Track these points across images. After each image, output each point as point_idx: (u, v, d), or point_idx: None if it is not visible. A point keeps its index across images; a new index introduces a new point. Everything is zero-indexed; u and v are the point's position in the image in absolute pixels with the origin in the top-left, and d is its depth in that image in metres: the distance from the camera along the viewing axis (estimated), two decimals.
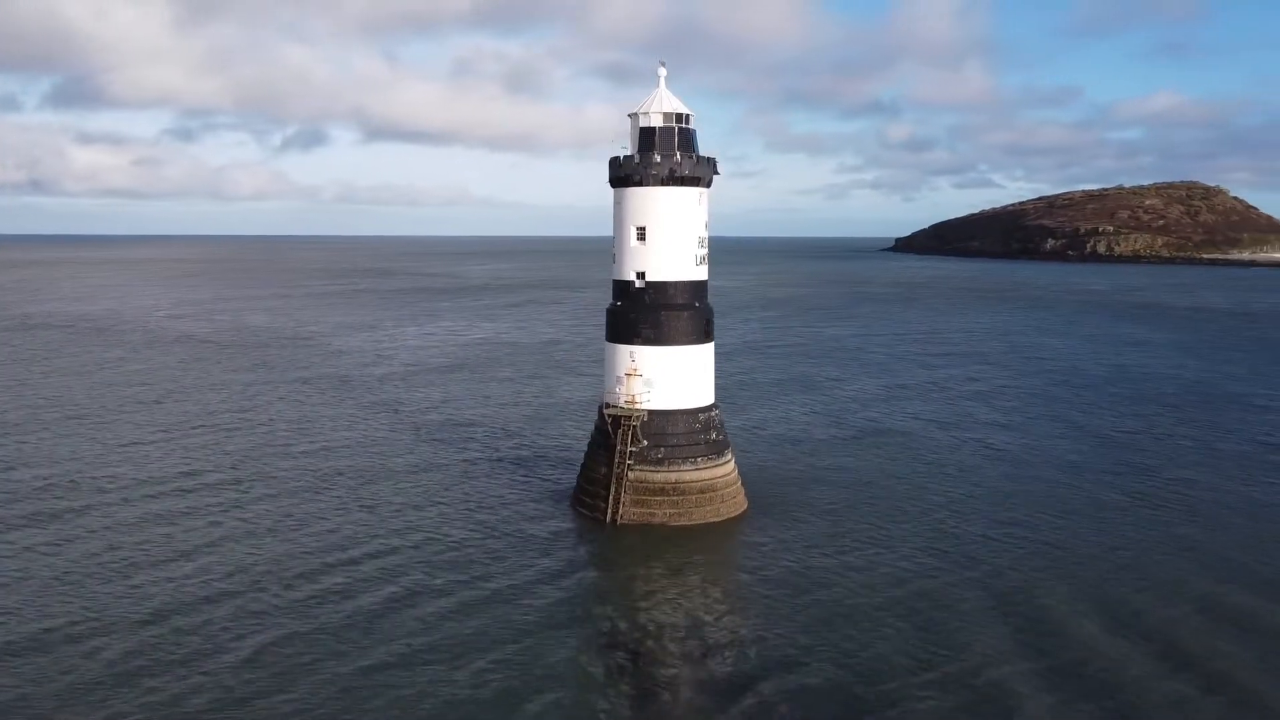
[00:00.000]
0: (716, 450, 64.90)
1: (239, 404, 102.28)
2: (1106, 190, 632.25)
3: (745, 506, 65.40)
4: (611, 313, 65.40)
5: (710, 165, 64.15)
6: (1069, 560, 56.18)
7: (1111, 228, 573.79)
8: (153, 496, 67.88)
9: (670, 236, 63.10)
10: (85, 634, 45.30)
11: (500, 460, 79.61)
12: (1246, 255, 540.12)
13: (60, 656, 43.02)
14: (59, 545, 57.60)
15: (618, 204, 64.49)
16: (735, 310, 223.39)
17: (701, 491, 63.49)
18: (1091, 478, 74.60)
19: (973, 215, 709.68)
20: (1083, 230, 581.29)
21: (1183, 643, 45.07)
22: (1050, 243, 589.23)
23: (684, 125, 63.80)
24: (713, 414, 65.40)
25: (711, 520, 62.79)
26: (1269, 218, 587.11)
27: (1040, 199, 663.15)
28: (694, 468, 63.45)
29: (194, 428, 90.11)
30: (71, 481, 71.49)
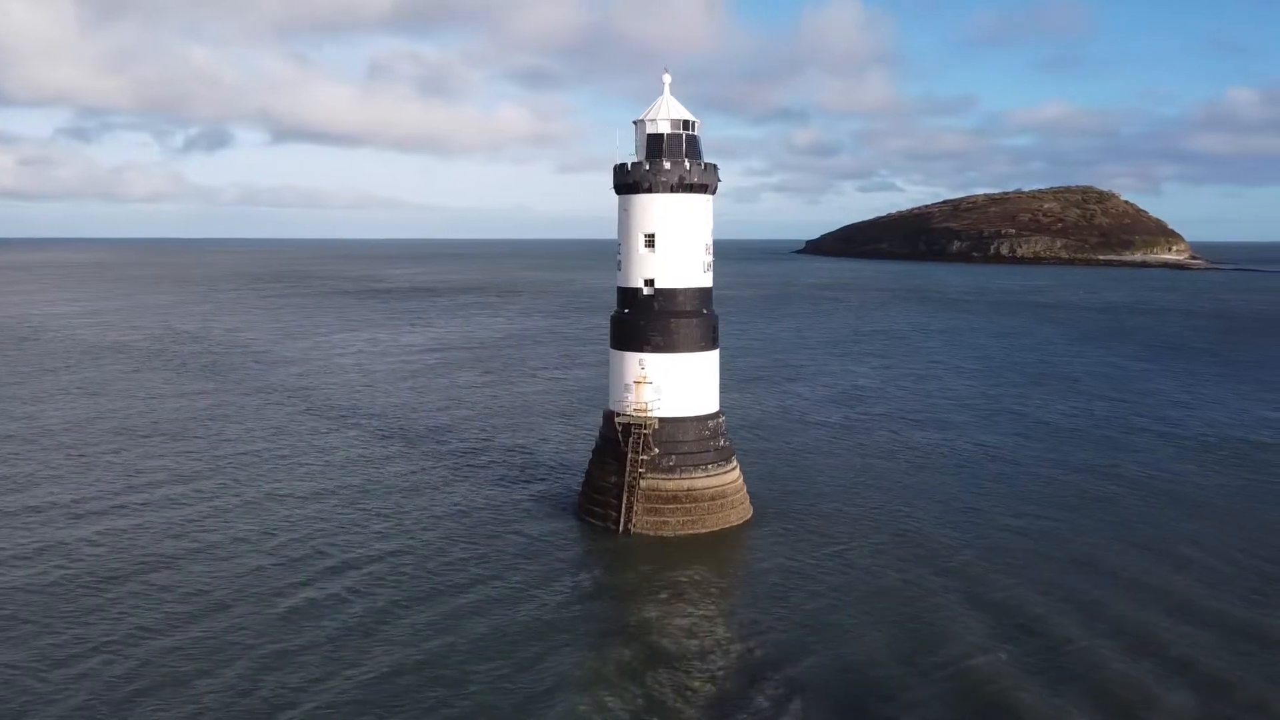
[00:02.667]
0: (725, 457, 64.99)
1: (210, 415, 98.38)
2: (1007, 194, 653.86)
3: (751, 513, 65.63)
4: (619, 320, 64.89)
5: (716, 172, 64.25)
6: (1069, 559, 57.84)
7: (1013, 230, 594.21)
8: (145, 505, 64.79)
9: (680, 243, 62.94)
10: (83, 652, 43.01)
11: (490, 468, 78.24)
12: (1139, 256, 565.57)
13: (49, 679, 40.77)
14: (59, 553, 54.57)
15: (624, 210, 64.02)
16: None
17: (713, 499, 63.49)
18: (1089, 474, 76.94)
19: (880, 218, 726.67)
20: (986, 233, 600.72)
21: (1184, 644, 46.81)
22: (956, 245, 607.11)
23: (691, 132, 63.76)
24: (720, 420, 65.48)
25: (723, 527, 62.90)
26: (1158, 221, 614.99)
27: (945, 202, 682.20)
28: (705, 475, 63.40)
29: (176, 441, 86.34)
30: (72, 500, 67.79)
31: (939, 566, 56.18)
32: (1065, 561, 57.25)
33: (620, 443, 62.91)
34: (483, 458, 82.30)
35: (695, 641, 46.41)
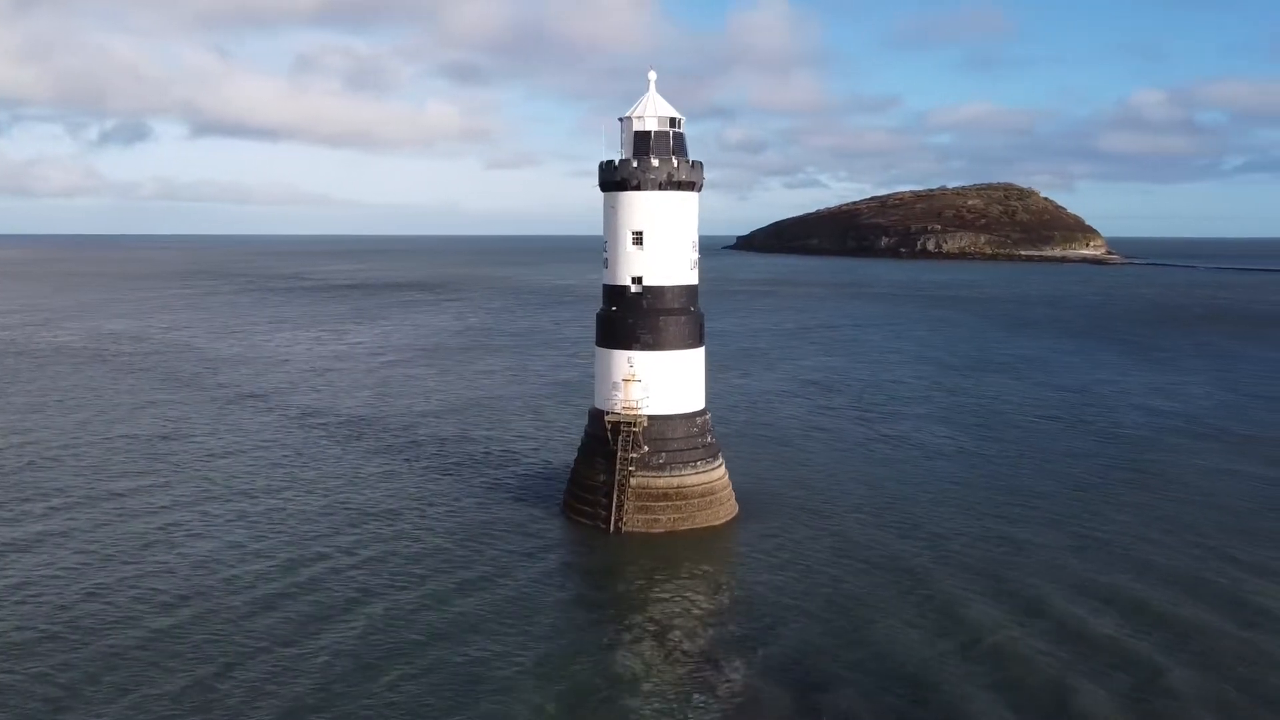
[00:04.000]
0: (712, 454, 65.32)
1: (171, 419, 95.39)
2: (933, 191, 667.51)
3: (737, 509, 66.02)
4: (606, 318, 64.71)
5: (702, 169, 64.49)
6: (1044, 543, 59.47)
7: (939, 226, 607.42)
8: (121, 508, 62.66)
9: (668, 241, 62.99)
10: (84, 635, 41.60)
11: (465, 467, 77.37)
12: (1059, 252, 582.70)
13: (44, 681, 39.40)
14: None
15: (611, 208, 63.84)
16: None
17: (702, 495, 63.75)
18: (1050, 459, 79.02)
19: (810, 215, 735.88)
20: (913, 229, 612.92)
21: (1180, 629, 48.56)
22: (884, 240, 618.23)
23: (677, 129, 63.85)
24: (706, 417, 65.77)
25: (712, 524, 63.22)
26: (1076, 218, 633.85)
27: (873, 199, 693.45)
28: (694, 472, 63.64)
29: (143, 446, 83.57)
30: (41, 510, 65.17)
31: (931, 555, 57.20)
32: (1046, 546, 58.84)
33: (610, 441, 62.81)
34: (456, 457, 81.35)
35: (707, 639, 46.59)
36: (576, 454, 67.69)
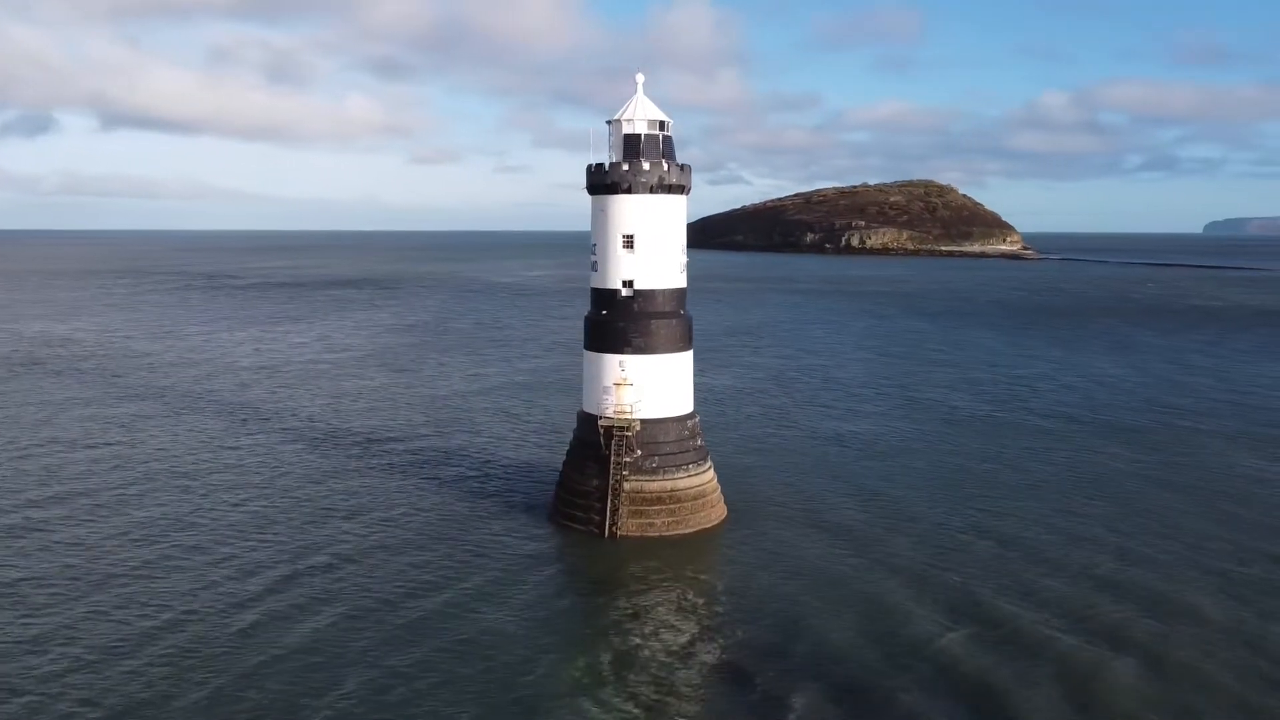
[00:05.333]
0: (702, 456, 65.38)
1: (125, 428, 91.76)
2: (856, 187, 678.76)
3: (726, 512, 66.12)
4: (596, 322, 64.20)
5: (690, 173, 64.43)
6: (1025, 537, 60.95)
7: (863, 222, 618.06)
8: (91, 519, 60.06)
9: (659, 244, 62.78)
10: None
11: (442, 472, 76.07)
12: (978, 247, 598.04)
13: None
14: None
15: (601, 211, 63.33)
16: (568, 303, 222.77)
17: (694, 498, 63.79)
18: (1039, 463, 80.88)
19: (735, 210, 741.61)
20: (838, 225, 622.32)
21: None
22: (809, 236, 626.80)
23: (665, 133, 63.65)
24: (696, 420, 65.78)
25: (705, 527, 63.28)
26: (993, 214, 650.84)
27: (798, 195, 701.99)
28: (687, 475, 63.62)
29: (106, 454, 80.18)
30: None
31: (926, 551, 58.13)
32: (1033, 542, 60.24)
33: (602, 445, 62.43)
34: (429, 464, 79.95)
35: (720, 642, 46.61)
36: (565, 459, 67.07)
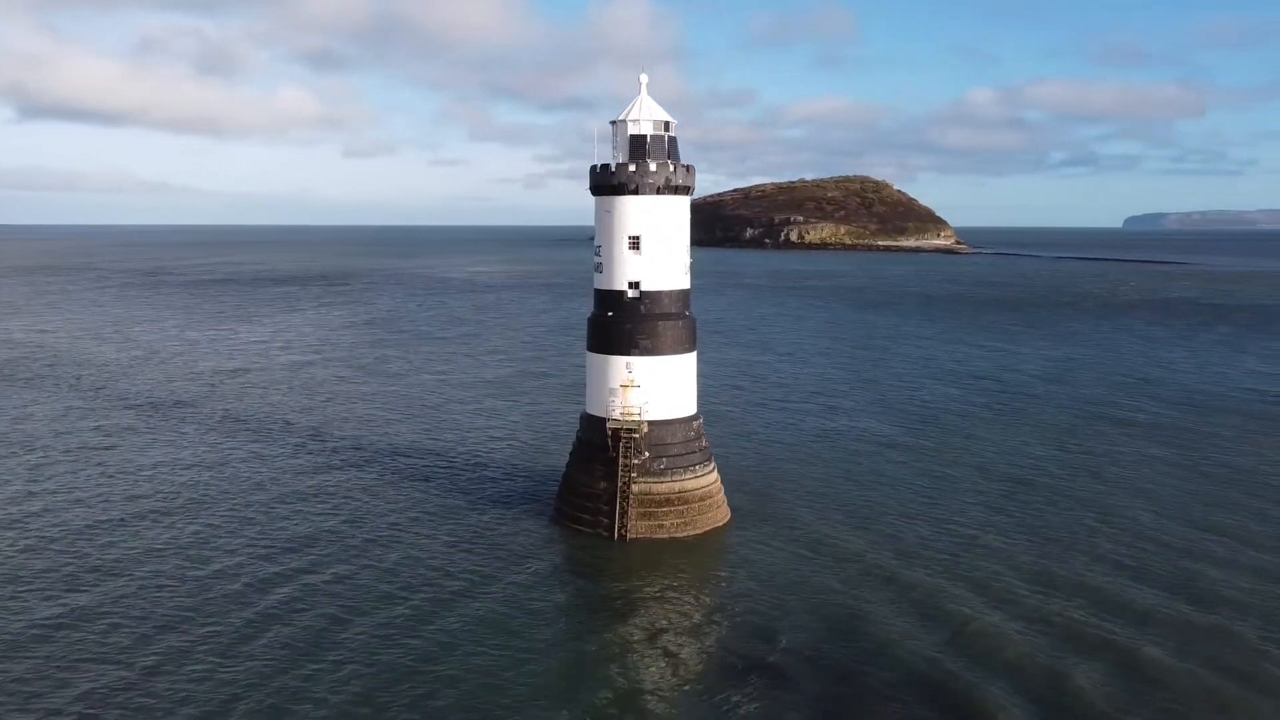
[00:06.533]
0: (707, 457, 65.53)
1: (104, 433, 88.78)
2: (794, 183, 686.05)
3: (729, 513, 66.31)
4: (602, 324, 63.84)
5: (694, 173, 64.48)
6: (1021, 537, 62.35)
7: (801, 218, 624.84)
8: (89, 527, 58.09)
9: (665, 246, 62.72)
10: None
11: (428, 475, 75.07)
12: (913, 242, 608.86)
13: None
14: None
15: (606, 212, 63.01)
16: (524, 298, 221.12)
17: (701, 499, 63.94)
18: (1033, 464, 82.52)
19: None
20: (777, 220, 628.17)
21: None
22: (750, 231, 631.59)
23: (670, 133, 63.60)
24: (699, 421, 65.89)
25: (712, 527, 63.49)
26: (928, 209, 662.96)
27: (737, 191, 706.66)
28: (694, 476, 63.71)
29: (99, 462, 77.43)
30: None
31: (937, 547, 59.10)
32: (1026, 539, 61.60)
33: (609, 447, 62.23)
34: (415, 466, 78.81)
35: (746, 644, 46.79)
36: (569, 460, 66.71)
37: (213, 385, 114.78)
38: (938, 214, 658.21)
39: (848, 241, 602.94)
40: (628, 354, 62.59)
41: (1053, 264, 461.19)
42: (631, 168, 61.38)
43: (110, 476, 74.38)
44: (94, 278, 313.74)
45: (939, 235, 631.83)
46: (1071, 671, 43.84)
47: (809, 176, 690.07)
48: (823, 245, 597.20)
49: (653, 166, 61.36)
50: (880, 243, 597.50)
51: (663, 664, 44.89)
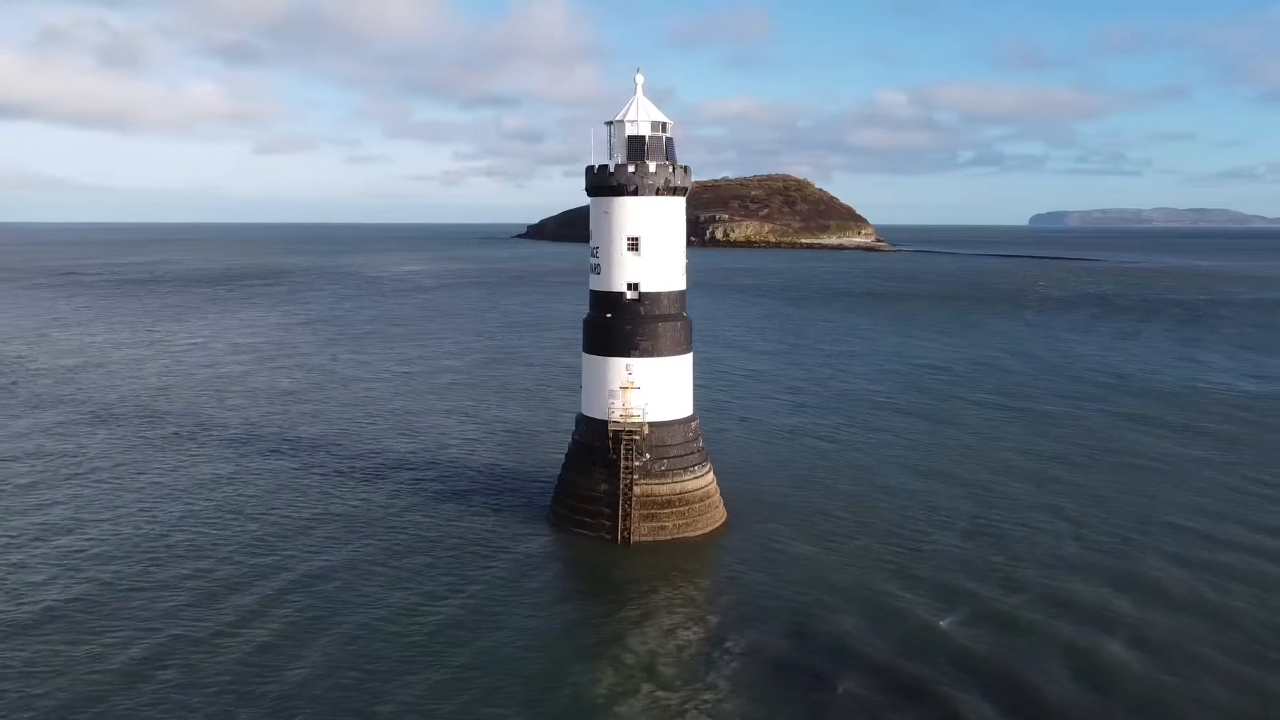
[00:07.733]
0: (704, 458, 65.66)
1: (79, 445, 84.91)
2: (718, 181, 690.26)
3: (726, 513, 66.45)
4: (601, 325, 63.43)
5: (690, 174, 64.51)
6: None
7: (726, 216, 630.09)
8: (86, 540, 55.52)
9: (664, 247, 62.62)
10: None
11: (412, 479, 73.64)
12: (835, 240, 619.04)
13: None
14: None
15: (604, 213, 62.62)
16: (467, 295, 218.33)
17: (701, 500, 64.06)
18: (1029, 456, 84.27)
19: None
20: (702, 218, 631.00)
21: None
22: None
23: (667, 134, 63.51)
24: (697, 422, 65.98)
25: (712, 528, 63.64)
26: (849, 207, 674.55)
27: None
28: (693, 477, 63.81)
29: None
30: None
31: (937, 544, 60.18)
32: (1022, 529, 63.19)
33: (610, 449, 61.92)
34: (397, 470, 77.25)
35: (764, 643, 47.07)
36: (566, 463, 66.20)
37: (163, 390, 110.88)
38: (858, 212, 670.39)
39: (772, 239, 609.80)
40: (627, 355, 62.35)
41: (973, 260, 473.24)
42: (631, 169, 61.13)
43: (85, 498, 71.36)
44: (5, 278, 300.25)
45: (860, 233, 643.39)
46: (1102, 652, 45.09)
47: (730, 175, 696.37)
48: (747, 243, 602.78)
49: (652, 167, 61.20)
50: (804, 240, 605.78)
51: (696, 668, 44.77)
